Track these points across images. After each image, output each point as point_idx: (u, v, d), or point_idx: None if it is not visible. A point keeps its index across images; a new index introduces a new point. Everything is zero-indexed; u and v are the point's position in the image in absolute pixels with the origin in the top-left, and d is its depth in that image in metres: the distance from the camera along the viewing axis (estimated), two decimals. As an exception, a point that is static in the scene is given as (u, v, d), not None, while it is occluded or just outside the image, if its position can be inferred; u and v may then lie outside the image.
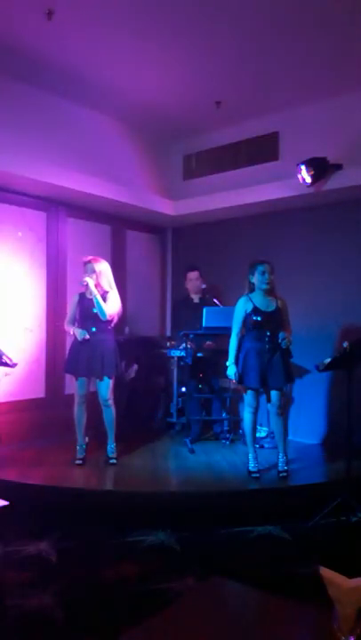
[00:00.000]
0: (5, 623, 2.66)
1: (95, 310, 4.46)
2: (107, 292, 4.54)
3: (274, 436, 5.23)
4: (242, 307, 4.36)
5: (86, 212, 5.80)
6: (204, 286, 5.68)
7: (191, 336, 5.23)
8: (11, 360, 4.13)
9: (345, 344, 3.70)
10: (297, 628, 2.56)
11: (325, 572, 1.56)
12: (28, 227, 5.33)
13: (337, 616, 1.49)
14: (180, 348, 5.35)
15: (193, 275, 5.69)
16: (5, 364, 4.12)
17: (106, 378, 4.49)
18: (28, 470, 4.36)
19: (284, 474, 4.29)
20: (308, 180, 4.93)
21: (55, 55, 4.40)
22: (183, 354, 5.28)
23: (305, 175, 4.93)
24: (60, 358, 5.56)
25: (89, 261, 4.56)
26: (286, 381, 4.38)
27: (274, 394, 4.32)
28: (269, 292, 4.36)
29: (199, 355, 5.30)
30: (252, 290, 4.39)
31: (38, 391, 5.42)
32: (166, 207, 6.10)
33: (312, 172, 4.90)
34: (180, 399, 5.76)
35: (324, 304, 5.40)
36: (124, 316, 5.10)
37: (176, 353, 5.49)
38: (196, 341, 5.31)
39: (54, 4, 3.70)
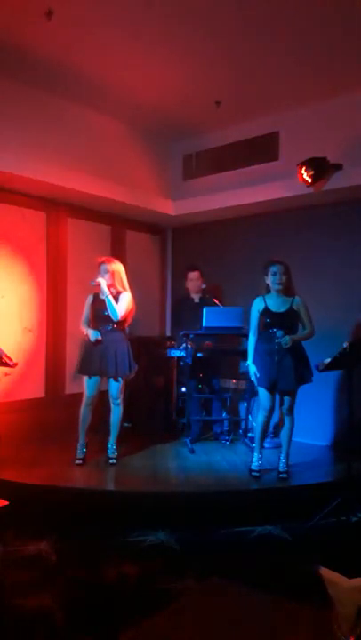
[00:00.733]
0: (5, 623, 2.66)
1: (106, 312, 4.48)
2: (120, 293, 4.55)
3: (274, 436, 5.26)
4: (255, 307, 4.37)
5: (86, 212, 5.80)
6: (204, 286, 5.68)
7: (191, 336, 5.24)
8: (11, 360, 4.13)
9: (345, 344, 3.70)
10: (297, 627, 2.56)
11: (325, 572, 1.56)
12: (28, 227, 5.33)
13: (337, 616, 1.49)
14: (180, 348, 5.35)
15: (193, 275, 5.69)
16: (5, 364, 4.13)
17: (119, 378, 4.52)
18: (28, 470, 4.36)
19: (284, 475, 4.29)
20: (308, 180, 4.93)
21: (55, 55, 4.40)
22: (183, 354, 5.28)
23: (305, 175, 4.93)
24: (59, 358, 5.57)
25: (103, 262, 4.58)
26: (297, 384, 4.30)
27: (284, 395, 4.32)
28: (284, 292, 4.33)
29: (199, 355, 5.30)
30: (268, 290, 4.38)
31: (38, 391, 5.42)
32: (166, 207, 6.10)
33: (312, 172, 4.90)
34: (180, 399, 5.76)
35: (323, 304, 5.39)
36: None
37: (176, 353, 5.49)
38: (196, 341, 5.31)
39: (54, 3, 3.70)
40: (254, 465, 4.35)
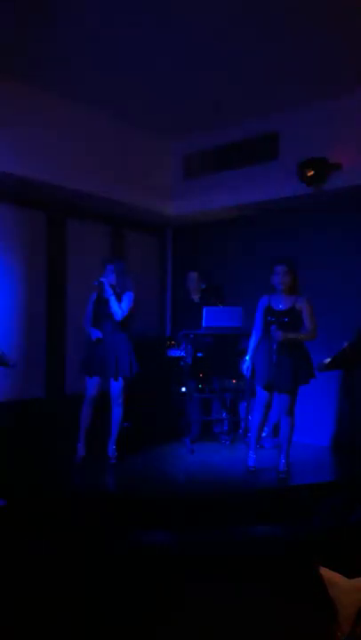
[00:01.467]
0: (6, 623, 2.66)
1: (109, 311, 4.49)
2: (123, 293, 4.56)
3: (274, 436, 5.26)
4: (259, 305, 4.42)
5: (86, 212, 5.80)
6: (203, 286, 5.68)
7: (191, 336, 5.24)
8: (10, 360, 4.14)
9: (344, 344, 3.70)
10: (297, 627, 2.57)
11: (325, 572, 1.56)
12: (28, 227, 5.32)
13: (337, 616, 1.49)
14: (181, 347, 5.35)
15: (193, 275, 5.69)
16: (5, 364, 4.13)
17: (120, 378, 4.53)
18: (28, 470, 4.36)
19: (284, 475, 4.30)
20: (308, 179, 4.93)
21: (55, 55, 4.39)
22: (183, 354, 5.28)
23: (305, 175, 4.93)
24: (59, 358, 5.57)
25: (108, 262, 4.62)
26: (294, 384, 4.30)
27: (280, 395, 4.33)
28: (288, 291, 4.35)
29: (199, 355, 5.30)
30: (274, 290, 4.40)
31: (38, 391, 5.42)
32: (166, 207, 6.10)
33: (312, 172, 4.90)
34: (180, 399, 5.76)
35: (323, 304, 5.38)
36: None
37: (176, 353, 5.49)
38: (196, 341, 5.31)
39: (54, 2, 3.70)
40: (250, 461, 4.40)
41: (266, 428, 5.35)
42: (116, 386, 4.55)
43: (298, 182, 5.01)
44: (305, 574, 3.09)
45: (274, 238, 5.68)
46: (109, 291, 4.49)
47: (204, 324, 5.09)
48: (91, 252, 5.08)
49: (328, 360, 3.79)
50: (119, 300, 4.52)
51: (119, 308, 4.49)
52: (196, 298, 5.72)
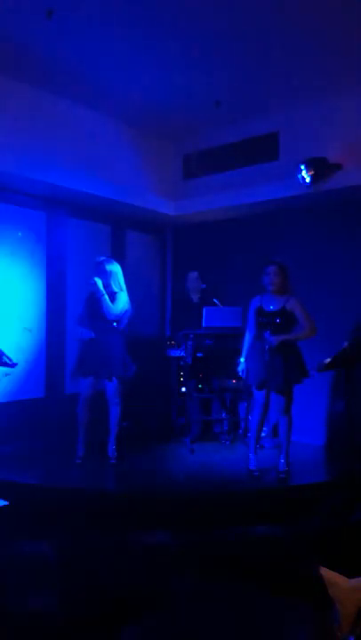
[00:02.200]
0: (5, 624, 2.66)
1: (102, 312, 4.49)
2: (115, 293, 4.56)
3: (274, 436, 5.25)
4: (252, 306, 4.43)
5: (86, 212, 5.80)
6: (203, 286, 5.68)
7: (191, 336, 5.24)
8: (10, 360, 4.14)
9: (344, 344, 3.70)
10: (297, 627, 2.57)
11: (325, 572, 1.56)
12: (28, 227, 5.32)
13: (337, 616, 1.49)
14: (181, 347, 5.35)
15: (193, 275, 5.69)
16: (5, 364, 4.13)
17: (113, 378, 4.52)
18: (28, 470, 4.36)
19: (284, 475, 4.30)
20: (308, 180, 4.93)
21: (55, 55, 4.40)
22: (183, 354, 5.28)
23: (305, 175, 4.94)
24: (59, 358, 5.56)
25: (101, 262, 4.61)
26: (287, 384, 4.32)
27: (277, 395, 4.34)
28: (279, 292, 4.35)
29: (199, 355, 5.30)
30: (265, 290, 4.41)
31: (38, 391, 5.42)
32: (166, 207, 6.09)
33: (312, 172, 4.91)
34: (180, 399, 5.76)
35: (323, 304, 5.39)
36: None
37: (176, 353, 5.49)
38: (196, 341, 5.31)
39: (54, 3, 3.70)
40: (251, 464, 4.37)
41: (265, 428, 5.35)
42: (111, 386, 4.55)
43: (298, 182, 5.01)
44: (305, 574, 3.09)
45: (274, 238, 5.68)
46: (102, 290, 4.48)
47: (204, 324, 5.09)
48: (91, 252, 5.08)
49: (328, 360, 3.78)
50: (112, 300, 4.51)
51: (112, 308, 4.48)
52: (196, 298, 5.72)
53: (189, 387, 5.43)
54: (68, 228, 5.66)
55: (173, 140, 6.22)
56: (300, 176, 4.97)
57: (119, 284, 4.64)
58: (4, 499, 3.11)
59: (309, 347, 4.92)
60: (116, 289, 4.59)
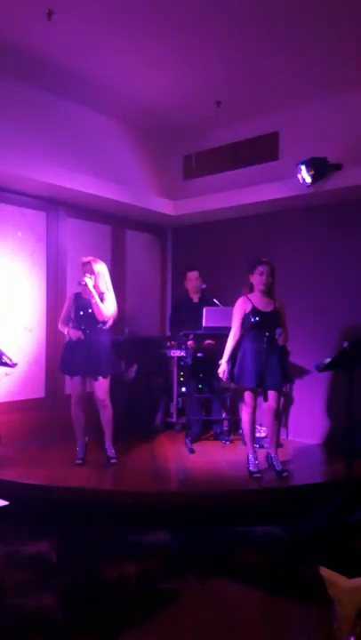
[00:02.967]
0: (5, 623, 2.66)
1: (91, 310, 4.48)
2: (103, 294, 4.56)
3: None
4: (240, 307, 4.38)
5: (86, 212, 5.80)
6: (203, 286, 5.68)
7: (191, 336, 5.24)
8: (10, 360, 4.13)
9: (345, 344, 3.70)
10: (297, 627, 2.57)
11: (325, 572, 1.56)
12: (28, 227, 5.33)
13: (337, 616, 1.49)
14: (181, 347, 5.35)
15: (193, 275, 5.69)
16: (5, 364, 4.13)
17: (100, 378, 4.51)
18: (28, 470, 4.36)
19: (286, 473, 4.30)
20: (308, 180, 4.94)
21: (55, 55, 4.40)
22: (183, 354, 5.28)
23: (305, 175, 4.94)
24: (59, 358, 5.56)
25: (88, 262, 4.58)
26: (283, 381, 4.41)
27: (271, 394, 4.34)
28: (267, 293, 4.37)
29: (199, 355, 5.30)
30: (251, 289, 4.39)
31: (38, 391, 5.42)
32: (166, 207, 6.10)
33: (312, 172, 4.91)
34: (180, 399, 5.76)
35: (324, 304, 5.40)
36: (122, 316, 5.11)
37: (176, 353, 5.48)
38: (196, 341, 5.31)
39: (54, 3, 3.70)
40: (251, 466, 4.35)
41: (265, 428, 5.35)
42: (99, 386, 4.53)
43: (298, 182, 5.01)
44: (305, 574, 3.09)
45: (274, 238, 5.69)
46: (93, 291, 4.48)
47: (203, 324, 5.09)
48: (91, 252, 5.07)
49: (328, 360, 3.78)
50: (102, 300, 4.50)
51: (105, 309, 4.48)
52: (195, 298, 5.72)
53: (189, 387, 5.43)
54: (67, 228, 5.67)
55: (173, 139, 6.22)
56: (299, 176, 4.98)
57: (106, 284, 4.61)
58: (4, 499, 3.11)
59: (309, 347, 4.94)
60: (103, 289, 4.56)
